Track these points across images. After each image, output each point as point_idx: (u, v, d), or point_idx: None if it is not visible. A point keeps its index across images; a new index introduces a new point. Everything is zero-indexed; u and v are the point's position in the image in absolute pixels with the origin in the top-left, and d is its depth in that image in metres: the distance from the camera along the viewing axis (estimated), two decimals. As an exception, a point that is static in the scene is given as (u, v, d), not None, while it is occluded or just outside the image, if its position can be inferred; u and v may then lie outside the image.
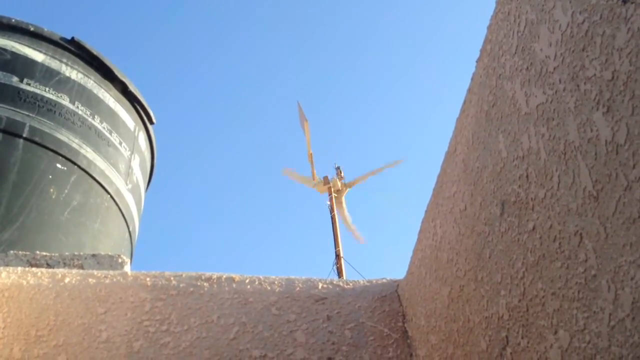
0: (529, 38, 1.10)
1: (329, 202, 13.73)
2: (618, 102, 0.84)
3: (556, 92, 1.00)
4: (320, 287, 1.94)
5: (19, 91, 3.55)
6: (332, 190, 13.75)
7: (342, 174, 14.20)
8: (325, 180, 13.95)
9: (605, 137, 0.87)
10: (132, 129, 4.27)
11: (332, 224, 13.47)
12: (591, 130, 0.91)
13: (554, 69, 1.01)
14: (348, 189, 13.96)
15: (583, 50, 0.92)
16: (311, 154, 13.69)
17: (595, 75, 0.89)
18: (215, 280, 1.91)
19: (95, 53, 4.05)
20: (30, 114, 3.51)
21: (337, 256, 12.95)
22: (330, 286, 1.95)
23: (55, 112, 3.64)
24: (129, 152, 4.16)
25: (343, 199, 13.87)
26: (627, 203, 0.82)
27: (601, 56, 0.88)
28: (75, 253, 2.52)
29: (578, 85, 0.94)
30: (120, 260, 2.50)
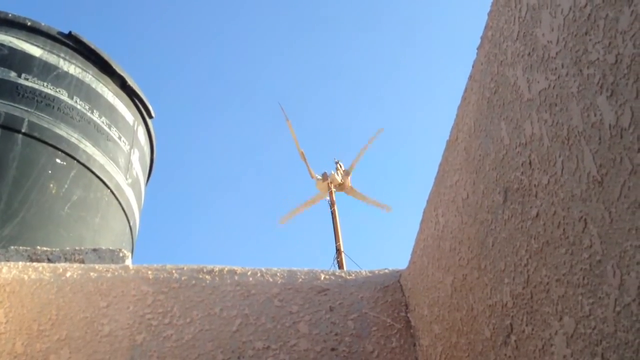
0: (531, 23, 1.09)
1: (328, 197, 13.73)
2: (622, 86, 0.83)
3: (559, 77, 1.00)
4: (322, 278, 1.93)
5: (17, 86, 3.53)
6: (332, 185, 13.75)
7: (342, 167, 14.19)
8: (324, 177, 13.95)
9: (609, 121, 0.86)
10: (131, 123, 4.26)
11: (332, 218, 13.47)
12: (595, 115, 0.90)
13: (557, 53, 1.00)
14: (349, 176, 13.96)
15: (586, 34, 0.92)
16: (302, 152, 13.68)
17: (598, 59, 0.89)
18: (217, 273, 1.91)
19: (93, 47, 4.03)
20: (29, 109, 3.50)
21: (338, 250, 12.95)
22: (333, 277, 1.95)
23: (53, 107, 3.63)
24: (129, 147, 4.15)
25: (351, 185, 13.87)
26: (632, 187, 0.82)
27: (604, 39, 0.87)
28: (76, 248, 2.52)
29: (581, 70, 0.93)
30: (121, 254, 2.49)
